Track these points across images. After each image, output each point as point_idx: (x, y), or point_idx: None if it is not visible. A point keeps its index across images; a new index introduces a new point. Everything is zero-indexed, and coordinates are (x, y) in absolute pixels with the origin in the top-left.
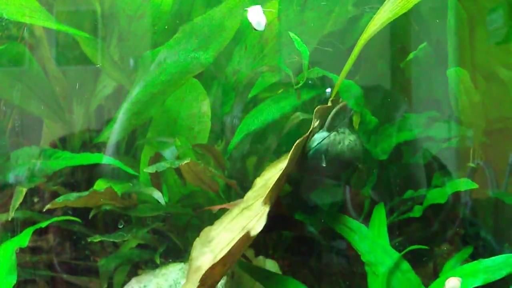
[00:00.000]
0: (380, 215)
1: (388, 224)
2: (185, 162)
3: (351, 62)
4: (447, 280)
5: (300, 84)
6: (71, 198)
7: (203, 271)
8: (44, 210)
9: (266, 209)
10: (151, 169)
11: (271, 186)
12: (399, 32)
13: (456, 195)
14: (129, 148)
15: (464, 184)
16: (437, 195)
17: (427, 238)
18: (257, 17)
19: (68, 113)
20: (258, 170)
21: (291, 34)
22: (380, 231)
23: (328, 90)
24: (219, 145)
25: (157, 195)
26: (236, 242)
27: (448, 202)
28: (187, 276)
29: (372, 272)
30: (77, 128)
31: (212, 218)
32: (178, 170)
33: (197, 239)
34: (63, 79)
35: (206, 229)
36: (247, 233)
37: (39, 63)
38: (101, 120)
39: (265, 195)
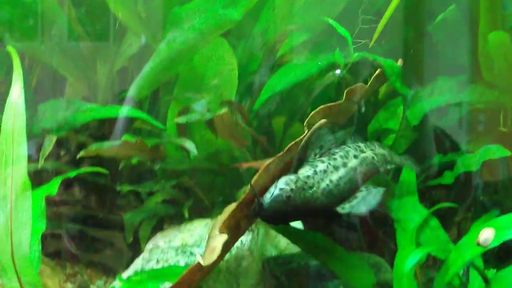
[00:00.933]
0: (409, 174)
1: None
2: (221, 113)
3: (383, 22)
4: (481, 231)
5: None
6: (104, 146)
7: None
8: (78, 157)
9: (221, 239)
10: (182, 120)
11: (228, 212)
12: None
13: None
14: (151, 107)
15: (497, 152)
16: (469, 162)
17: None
18: None
19: (93, 73)
20: (288, 130)
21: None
22: (409, 189)
23: (338, 71)
24: (245, 104)
25: (189, 145)
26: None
27: None
28: None
29: (401, 229)
30: (100, 88)
31: (236, 179)
32: (210, 124)
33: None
34: (88, 39)
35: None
36: (198, 264)
37: None
38: (124, 81)
39: (220, 222)
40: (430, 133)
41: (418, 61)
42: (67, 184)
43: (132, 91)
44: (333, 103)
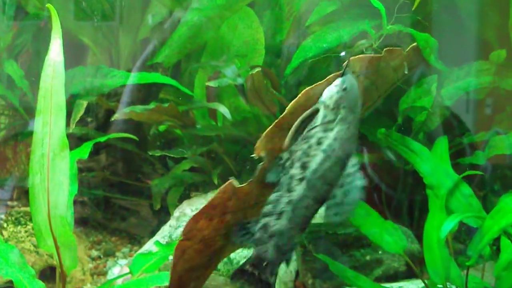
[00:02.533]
0: (443, 143)
1: None
2: (253, 72)
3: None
4: None
5: None
6: (137, 110)
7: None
8: (112, 119)
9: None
10: (213, 84)
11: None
12: None
13: None
14: (181, 73)
15: None
16: (501, 145)
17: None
18: None
19: (115, 44)
20: None
21: None
22: (442, 156)
23: (343, 53)
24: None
25: (223, 109)
26: (218, 193)
27: None
28: None
29: (434, 195)
30: (123, 58)
31: None
32: (239, 90)
33: None
34: (110, 11)
35: None
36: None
37: None
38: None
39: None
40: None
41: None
42: (93, 151)
43: (159, 59)
44: (374, 55)
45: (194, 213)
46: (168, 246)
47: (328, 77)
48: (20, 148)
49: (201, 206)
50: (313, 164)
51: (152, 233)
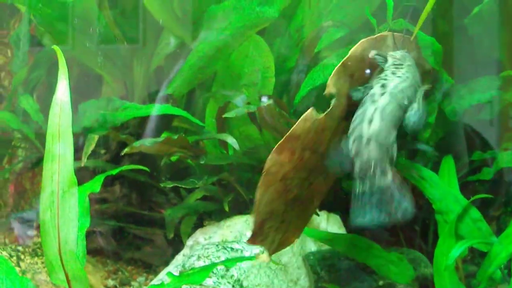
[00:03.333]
0: (449, 165)
1: None
2: (266, 103)
3: (424, 16)
4: None
5: None
6: (147, 143)
7: None
8: (122, 153)
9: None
10: (231, 114)
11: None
12: None
13: None
14: (187, 105)
15: None
16: (508, 159)
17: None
18: None
19: (129, 72)
20: None
21: None
22: (450, 181)
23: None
24: (284, 101)
25: (231, 140)
26: (300, 121)
27: None
28: None
29: (443, 221)
30: (137, 87)
31: None
32: (252, 118)
33: None
34: (122, 38)
35: None
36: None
37: None
38: (161, 79)
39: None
40: (467, 129)
41: (453, 55)
42: (108, 182)
43: (170, 90)
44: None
45: (207, 241)
46: (180, 277)
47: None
48: (38, 179)
49: (214, 234)
50: (392, 83)
51: (167, 262)
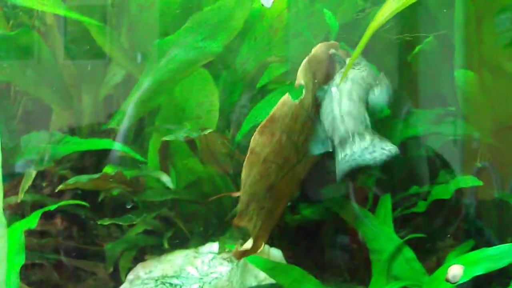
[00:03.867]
0: (386, 204)
1: (392, 218)
2: (207, 131)
3: (358, 52)
4: (449, 268)
5: None
6: (82, 180)
7: None
8: (56, 190)
9: None
10: (170, 137)
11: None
12: (407, 25)
13: (461, 192)
14: (136, 137)
15: (468, 181)
16: (442, 192)
17: (431, 232)
18: None
19: (77, 101)
20: None
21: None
22: (385, 220)
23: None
24: (227, 135)
25: (165, 178)
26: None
27: (452, 198)
28: None
29: (376, 260)
30: (85, 116)
31: (220, 208)
32: (193, 148)
33: None
34: (73, 67)
35: None
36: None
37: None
38: (109, 109)
39: None
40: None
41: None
42: (49, 215)
43: (113, 124)
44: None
45: (147, 276)
46: None
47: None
48: None
49: (155, 269)
50: (352, 74)
51: None
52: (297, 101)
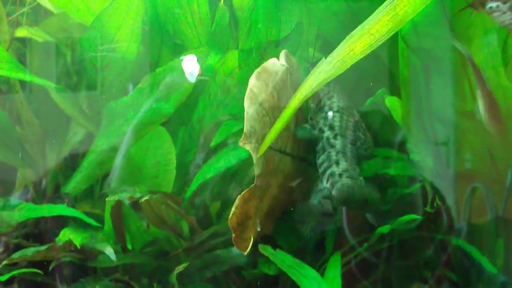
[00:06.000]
0: (335, 264)
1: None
2: (146, 197)
3: (277, 128)
4: None
5: None
6: (29, 253)
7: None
8: (0, 266)
9: None
10: (113, 198)
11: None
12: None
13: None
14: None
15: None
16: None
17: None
18: (190, 67)
19: (41, 158)
20: (220, 217)
21: None
22: (333, 282)
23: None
24: (185, 192)
25: (109, 251)
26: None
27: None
28: None
29: None
30: (49, 173)
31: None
32: (141, 215)
33: None
34: (37, 124)
35: None
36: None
37: (12, 108)
38: (74, 165)
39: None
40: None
41: None
42: (6, 282)
43: (66, 189)
44: None
45: None
46: None
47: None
48: None
49: None
50: (338, 123)
51: None
52: (285, 65)
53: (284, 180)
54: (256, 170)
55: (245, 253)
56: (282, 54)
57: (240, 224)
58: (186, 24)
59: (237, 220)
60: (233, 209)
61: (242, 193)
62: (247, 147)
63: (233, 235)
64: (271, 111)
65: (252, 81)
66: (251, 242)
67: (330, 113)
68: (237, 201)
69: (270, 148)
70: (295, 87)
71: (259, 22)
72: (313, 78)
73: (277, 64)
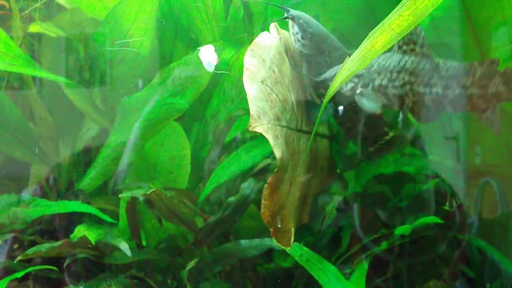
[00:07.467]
0: (361, 271)
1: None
2: (152, 192)
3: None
4: None
5: None
6: (43, 249)
7: None
8: (15, 261)
9: None
10: (127, 194)
11: None
12: None
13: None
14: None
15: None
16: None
17: (415, 272)
18: (208, 57)
19: (55, 154)
20: None
21: None
22: (358, 282)
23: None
24: (200, 188)
25: (124, 247)
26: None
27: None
28: None
29: None
30: (63, 169)
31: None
32: (155, 212)
33: None
34: (50, 120)
35: None
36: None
37: (25, 105)
38: (87, 161)
39: None
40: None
41: None
42: (22, 277)
43: (80, 185)
44: None
45: None
46: None
47: None
48: None
49: None
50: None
51: None
52: (277, 38)
53: (309, 161)
54: (277, 153)
55: (289, 248)
56: (271, 27)
57: (274, 217)
58: (200, 18)
59: (270, 213)
60: (262, 201)
61: (268, 180)
62: (259, 129)
63: (270, 230)
64: (276, 88)
65: (247, 59)
66: (293, 234)
67: None
68: (264, 191)
69: (285, 127)
70: (294, 58)
71: (274, 16)
72: (339, 76)
73: (268, 36)
